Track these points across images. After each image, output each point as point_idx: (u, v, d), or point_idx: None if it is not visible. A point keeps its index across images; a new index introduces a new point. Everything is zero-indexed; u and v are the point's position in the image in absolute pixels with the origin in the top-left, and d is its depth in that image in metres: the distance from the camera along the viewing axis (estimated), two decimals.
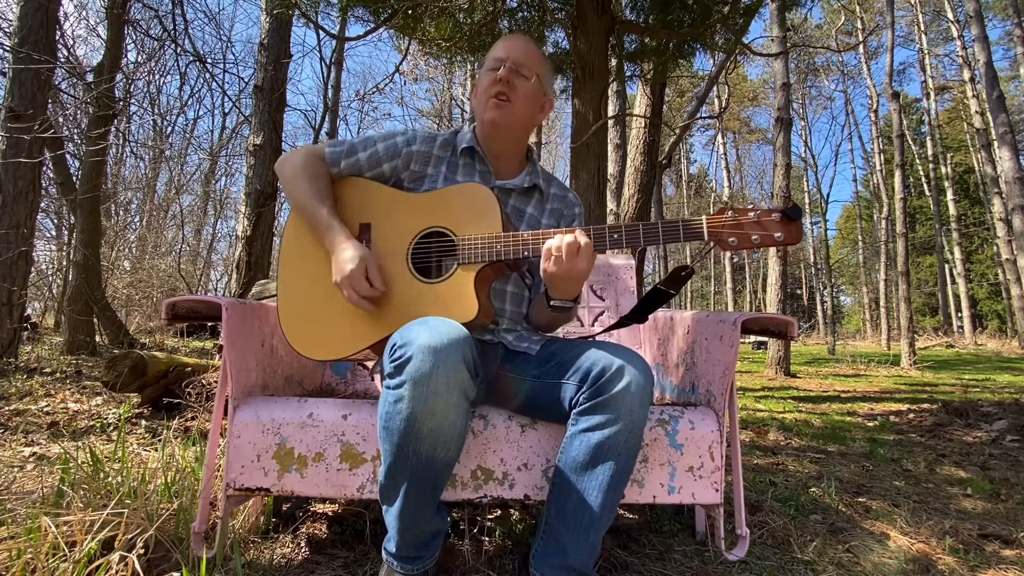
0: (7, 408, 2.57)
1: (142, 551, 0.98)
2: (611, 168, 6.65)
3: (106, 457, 1.31)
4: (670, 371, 1.48)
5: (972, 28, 9.16)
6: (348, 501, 1.42)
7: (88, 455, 1.20)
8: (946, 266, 20.67)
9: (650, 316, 1.69)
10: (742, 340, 1.23)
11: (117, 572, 0.94)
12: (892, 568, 1.20)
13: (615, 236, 1.03)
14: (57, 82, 5.60)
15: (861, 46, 17.11)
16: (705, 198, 28.91)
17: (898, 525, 1.48)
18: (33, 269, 5.12)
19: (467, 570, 1.09)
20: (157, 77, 13.20)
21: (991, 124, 9.37)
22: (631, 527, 1.36)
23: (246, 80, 10.10)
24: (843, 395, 4.93)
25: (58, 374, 3.60)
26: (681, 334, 1.42)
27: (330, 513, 1.39)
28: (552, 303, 1.08)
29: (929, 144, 19.69)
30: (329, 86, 10.30)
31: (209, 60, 9.53)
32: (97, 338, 5.02)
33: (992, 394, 4.71)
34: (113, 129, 6.22)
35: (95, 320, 5.00)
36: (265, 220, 5.59)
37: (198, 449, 1.54)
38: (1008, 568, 1.24)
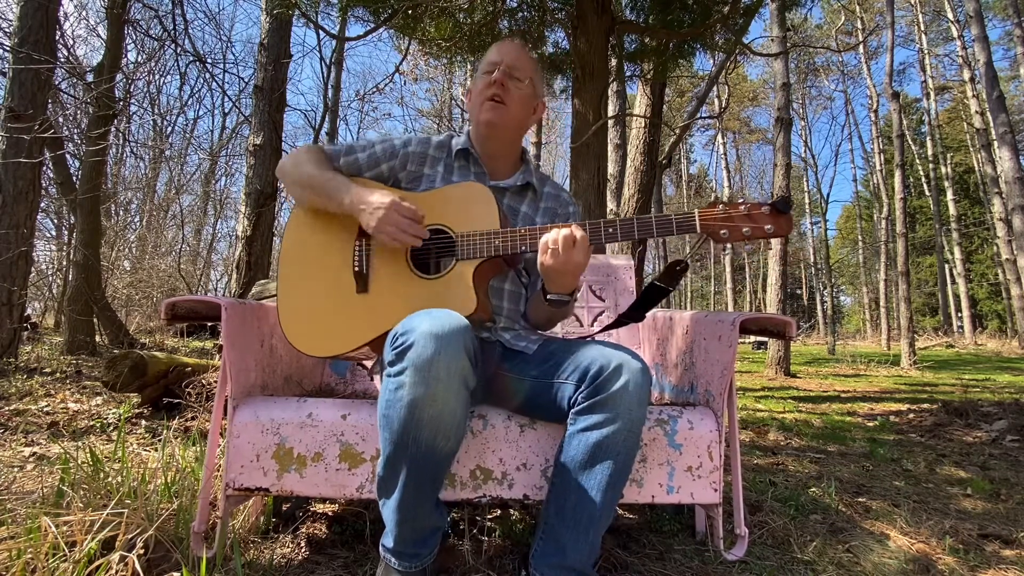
0: (7, 408, 2.57)
1: (142, 551, 0.98)
2: (611, 168, 6.64)
3: (106, 457, 1.31)
4: (669, 371, 1.48)
5: (972, 28, 9.16)
6: (348, 501, 1.42)
7: (88, 455, 1.20)
8: (946, 266, 20.67)
9: (649, 316, 1.70)
10: (742, 340, 1.23)
11: (117, 572, 0.94)
12: (892, 568, 1.20)
13: (610, 230, 1.05)
14: (57, 82, 5.60)
15: (861, 46, 17.11)
16: (705, 198, 28.94)
17: (898, 525, 1.48)
18: (33, 269, 5.13)
19: (467, 570, 1.09)
20: (157, 77, 13.21)
21: (991, 124, 9.37)
22: (631, 527, 1.36)
23: (246, 80, 10.11)
24: (843, 395, 4.93)
25: (58, 374, 3.60)
26: (680, 334, 1.42)
27: (330, 513, 1.39)
28: (549, 297, 1.09)
29: (929, 144, 19.69)
30: (329, 86, 10.31)
31: (209, 60, 9.53)
32: (97, 338, 5.02)
33: (992, 394, 4.71)
34: (113, 129, 6.22)
35: (95, 320, 5.00)
36: (265, 220, 5.59)
37: (198, 449, 1.54)
38: (1008, 568, 1.24)
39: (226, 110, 15.87)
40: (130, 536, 0.99)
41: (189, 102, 15.41)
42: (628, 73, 4.73)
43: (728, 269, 21.48)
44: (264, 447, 1.10)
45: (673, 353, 1.46)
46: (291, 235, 1.23)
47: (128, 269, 8.83)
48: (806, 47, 17.48)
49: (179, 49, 6.88)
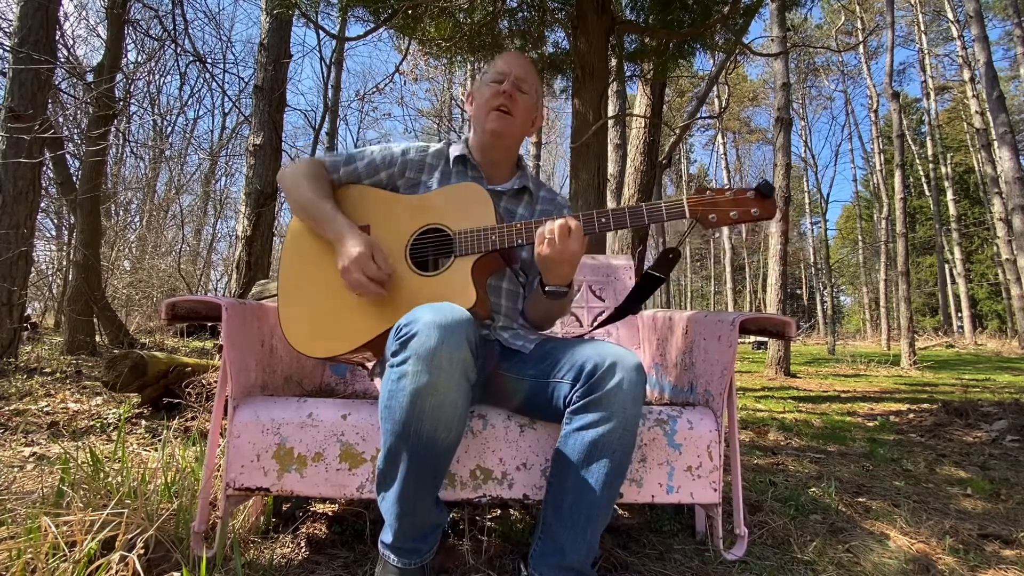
0: (7, 408, 2.57)
1: (142, 551, 0.98)
2: (611, 168, 6.64)
3: (106, 457, 1.31)
4: (669, 371, 1.48)
5: (972, 28, 9.16)
6: (348, 501, 1.42)
7: (88, 455, 1.20)
8: (946, 266, 20.68)
9: (649, 316, 1.70)
10: (742, 340, 1.24)
11: (117, 572, 0.94)
12: (892, 568, 1.20)
13: (603, 220, 1.08)
14: (57, 82, 5.60)
15: (861, 46, 17.11)
16: None
17: (898, 525, 1.48)
18: (33, 269, 5.13)
19: (467, 570, 1.09)
20: (157, 77, 13.21)
21: (991, 124, 9.37)
22: (631, 527, 1.36)
23: (246, 80, 10.11)
24: (843, 395, 4.93)
25: (58, 374, 3.60)
26: (680, 334, 1.42)
27: (330, 513, 1.39)
28: (547, 289, 1.11)
29: (929, 144, 19.70)
30: (329, 86, 10.31)
31: (209, 60, 9.53)
32: (97, 338, 5.02)
33: (992, 394, 4.72)
34: (113, 129, 6.22)
35: (95, 320, 5.00)
36: (265, 220, 5.59)
37: (198, 449, 1.54)
38: (1008, 568, 1.24)
39: (226, 110, 15.89)
40: (130, 536, 0.99)
41: (189, 102, 15.42)
42: (628, 73, 4.73)
43: (728, 269, 21.48)
44: (264, 447, 1.10)
45: (673, 353, 1.46)
46: (292, 238, 1.25)
47: (128, 269, 8.83)
48: (806, 47, 17.48)
49: (179, 49, 6.88)
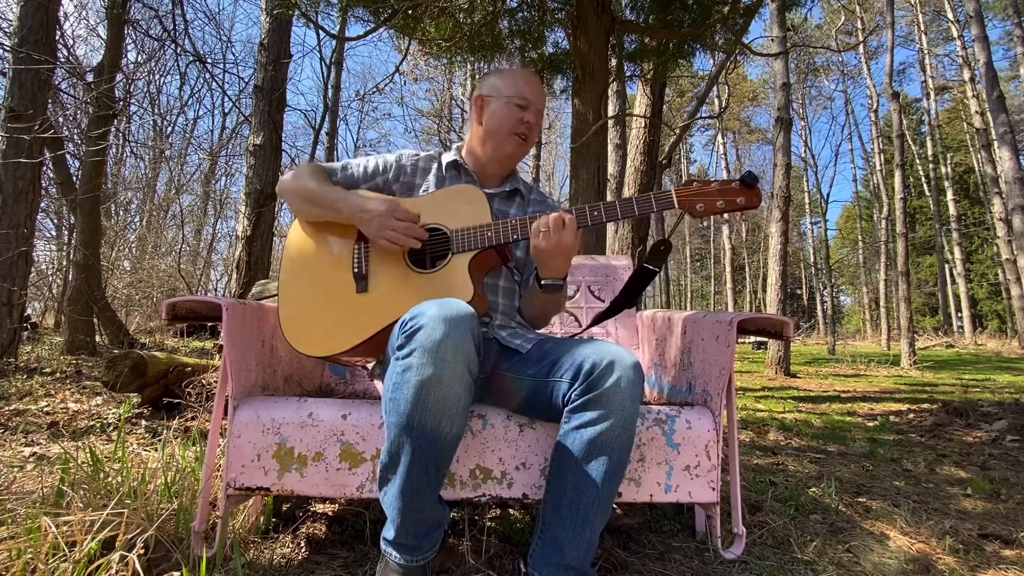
0: (7, 408, 2.57)
1: (142, 551, 0.98)
2: (611, 168, 6.65)
3: (106, 457, 1.31)
4: (667, 371, 1.48)
5: (972, 28, 9.16)
6: (348, 501, 1.42)
7: (88, 455, 1.20)
8: (946, 266, 20.67)
9: (648, 316, 1.70)
10: (742, 340, 1.25)
11: (117, 572, 0.94)
12: (892, 568, 1.20)
13: (595, 213, 1.12)
14: (57, 82, 5.60)
15: (861, 46, 17.11)
16: None
17: (898, 525, 1.48)
18: (33, 269, 5.12)
19: (467, 570, 1.09)
20: (157, 77, 13.21)
21: (991, 124, 9.37)
22: (631, 527, 1.36)
23: (246, 80, 10.11)
24: (843, 395, 4.93)
25: (58, 374, 3.60)
26: (678, 334, 1.42)
27: (330, 513, 1.39)
28: (543, 283, 1.14)
29: (929, 144, 19.69)
30: (329, 86, 10.31)
31: (209, 60, 9.53)
32: (97, 338, 5.02)
33: (992, 394, 4.72)
34: (113, 129, 6.22)
35: (95, 320, 5.00)
36: (265, 220, 5.59)
37: (198, 449, 1.54)
38: (1008, 568, 1.24)
39: (226, 110, 15.87)
40: (130, 536, 0.99)
41: (189, 102, 15.41)
42: (628, 73, 4.73)
43: (728, 269, 21.46)
44: (265, 447, 1.10)
45: (671, 353, 1.46)
46: (292, 240, 1.27)
47: (128, 269, 8.83)
48: (806, 47, 17.49)
49: (179, 49, 6.88)
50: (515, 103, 1.26)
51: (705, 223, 30.95)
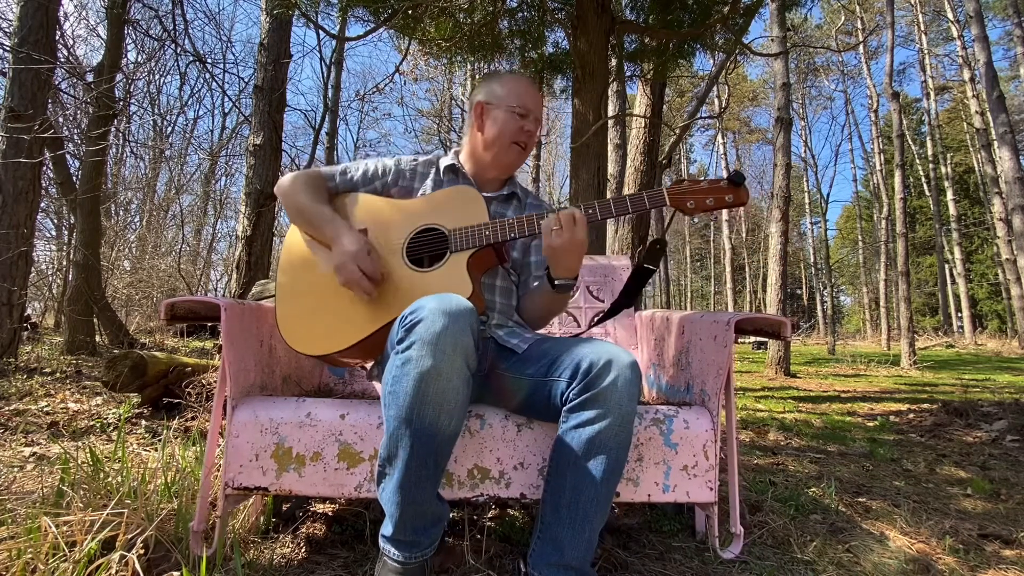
0: (7, 408, 2.57)
1: (142, 551, 0.98)
2: (611, 168, 6.65)
3: (106, 457, 1.31)
4: (665, 371, 1.48)
5: (972, 28, 9.16)
6: (346, 500, 1.42)
7: (88, 455, 1.20)
8: (946, 266, 20.67)
9: (647, 316, 1.70)
10: (742, 340, 1.25)
11: (117, 572, 0.94)
12: (892, 568, 1.20)
13: (590, 211, 1.14)
14: (57, 82, 5.60)
15: (861, 46, 17.10)
16: None
17: (898, 525, 1.48)
18: (33, 269, 5.12)
19: (467, 570, 1.09)
20: (157, 77, 13.22)
21: (991, 124, 9.37)
22: (631, 527, 1.36)
23: (246, 80, 10.11)
24: (843, 395, 4.93)
25: (58, 374, 3.60)
26: (676, 334, 1.42)
27: (330, 513, 1.39)
28: (556, 283, 1.14)
29: (929, 144, 19.68)
30: (329, 86, 10.31)
31: (209, 60, 9.52)
32: (97, 338, 5.02)
33: (992, 394, 4.71)
34: (113, 129, 6.22)
35: (95, 320, 5.00)
36: (265, 220, 5.59)
37: (198, 449, 1.54)
38: (1008, 568, 1.24)
39: (226, 110, 15.87)
40: (130, 536, 0.99)
41: (189, 102, 15.42)
42: (628, 73, 4.73)
43: (728, 269, 21.45)
44: (263, 447, 1.10)
45: (669, 353, 1.46)
46: (291, 241, 1.28)
47: (128, 269, 8.83)
48: (806, 47, 17.49)
49: (179, 49, 6.88)
50: (516, 112, 1.28)
51: (704, 223, 30.96)
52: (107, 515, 0.99)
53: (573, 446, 0.97)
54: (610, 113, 5.91)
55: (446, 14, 3.59)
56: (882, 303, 14.99)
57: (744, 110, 24.24)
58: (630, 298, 1.26)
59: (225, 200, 16.20)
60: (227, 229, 16.51)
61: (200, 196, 15.09)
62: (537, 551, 0.98)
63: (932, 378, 6.72)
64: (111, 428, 2.30)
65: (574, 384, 0.99)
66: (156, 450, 1.82)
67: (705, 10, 3.51)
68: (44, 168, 4.92)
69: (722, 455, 1.19)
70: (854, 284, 30.88)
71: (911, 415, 3.59)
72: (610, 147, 6.78)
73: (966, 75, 12.96)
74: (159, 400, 2.62)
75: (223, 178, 16.42)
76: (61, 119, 6.92)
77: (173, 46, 6.78)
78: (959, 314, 20.74)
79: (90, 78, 5.14)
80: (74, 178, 5.44)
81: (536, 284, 1.28)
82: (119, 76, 5.72)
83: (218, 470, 1.16)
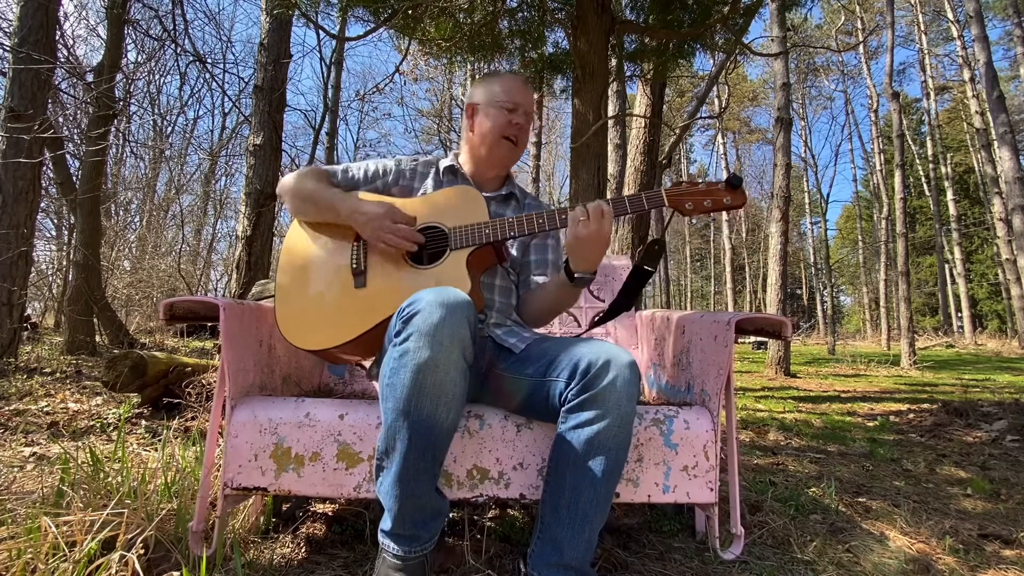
0: (7, 408, 2.57)
1: (142, 551, 0.98)
2: (611, 168, 6.64)
3: (106, 457, 1.31)
4: (666, 371, 1.48)
5: (972, 28, 9.15)
6: (346, 501, 1.42)
7: (88, 455, 1.20)
8: (946, 266, 20.66)
9: (647, 316, 1.70)
10: (742, 340, 1.25)
11: (117, 572, 0.94)
12: (892, 568, 1.20)
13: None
14: (57, 82, 5.60)
15: (861, 46, 17.10)
16: None
17: (898, 525, 1.48)
18: (33, 269, 5.12)
19: (467, 570, 1.09)
20: (157, 77, 13.21)
21: (991, 124, 9.37)
22: (631, 527, 1.36)
23: (246, 80, 10.10)
24: (843, 395, 4.93)
25: (58, 374, 3.60)
26: (677, 334, 1.42)
27: (330, 513, 1.39)
28: (576, 276, 1.14)
29: (929, 144, 19.68)
30: (329, 86, 10.31)
31: (209, 60, 9.53)
32: (97, 338, 5.02)
33: (992, 394, 4.71)
34: (113, 129, 6.22)
35: (95, 320, 5.00)
36: (265, 220, 5.59)
37: (198, 449, 1.54)
38: (1008, 568, 1.24)
39: (226, 110, 15.85)
40: (130, 536, 0.99)
41: (189, 102, 15.40)
42: (628, 73, 4.72)
43: (728, 269, 21.46)
44: (262, 447, 1.10)
45: (670, 353, 1.46)
46: (291, 238, 1.29)
47: (128, 269, 8.83)
48: (806, 47, 17.50)
49: (179, 49, 6.88)
50: (504, 107, 1.29)
51: (704, 223, 30.95)
52: (107, 515, 0.99)
53: (572, 447, 0.97)
54: (610, 113, 5.91)
55: (446, 14, 3.59)
56: (882, 303, 14.99)
57: (744, 110, 24.23)
58: (629, 299, 1.26)
59: (225, 200, 16.20)
60: (227, 229, 16.51)
61: (200, 196, 15.08)
62: (537, 551, 0.98)
63: (932, 378, 6.72)
64: (111, 428, 2.30)
65: (573, 384, 0.99)
66: (156, 450, 1.82)
67: (705, 10, 3.51)
68: (44, 168, 4.92)
69: (722, 455, 1.19)
70: (854, 284, 30.89)
71: (911, 415, 3.59)
72: (610, 147, 6.78)
73: (966, 75, 12.97)
74: (159, 400, 2.62)
75: (223, 178, 16.42)
76: (61, 119, 6.92)
77: (173, 46, 6.79)
78: (959, 314, 20.74)
79: (90, 78, 5.14)
80: (74, 178, 5.44)
81: (543, 279, 1.29)
82: (119, 76, 5.72)
83: (218, 470, 1.16)
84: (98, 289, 5.03)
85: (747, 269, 27.56)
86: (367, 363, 1.32)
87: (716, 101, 15.85)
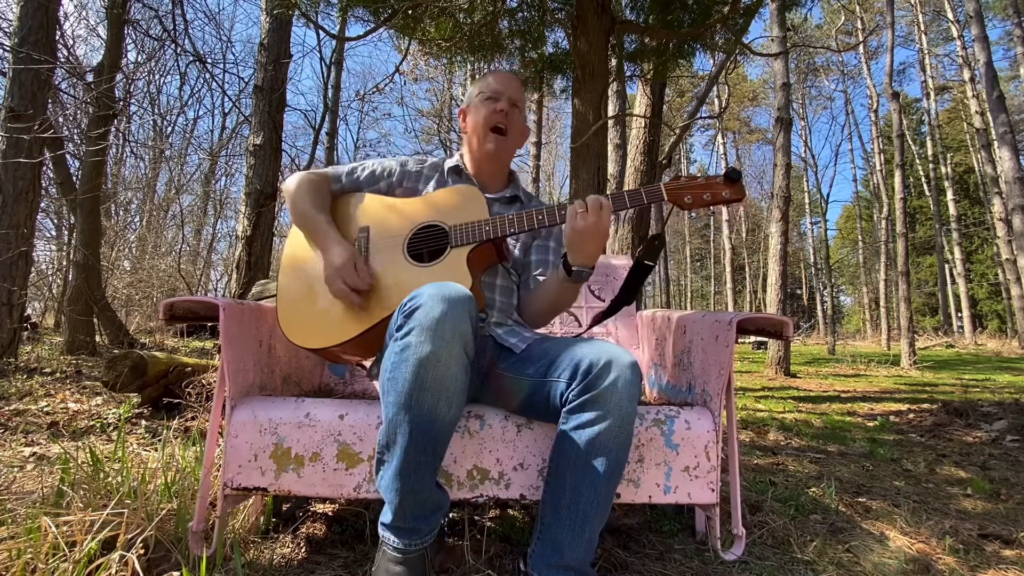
0: (7, 408, 2.57)
1: (142, 551, 0.98)
2: (611, 168, 6.64)
3: (106, 457, 1.31)
4: (667, 371, 1.48)
5: (972, 28, 9.16)
6: (345, 501, 1.42)
7: (88, 455, 1.20)
8: (946, 266, 20.66)
9: (647, 315, 1.70)
10: (742, 340, 1.25)
11: (117, 572, 0.94)
12: (892, 568, 1.20)
13: None
14: (57, 82, 5.60)
15: (861, 46, 17.10)
16: None
17: (898, 525, 1.48)
18: (33, 269, 5.12)
19: (467, 570, 1.09)
20: (157, 77, 13.21)
21: (991, 124, 9.37)
22: (631, 527, 1.36)
23: (246, 80, 10.09)
24: (843, 395, 4.93)
25: (58, 374, 3.60)
26: (678, 334, 1.42)
27: (330, 513, 1.39)
28: (573, 269, 1.13)
29: (929, 144, 19.68)
30: (329, 86, 10.30)
31: (209, 60, 9.52)
32: (97, 338, 5.02)
33: (992, 394, 4.71)
34: (113, 129, 6.22)
35: (95, 320, 5.00)
36: (265, 220, 5.59)
37: (198, 449, 1.54)
38: (1008, 568, 1.24)
39: (226, 110, 15.84)
40: (130, 536, 0.99)
41: (189, 102, 15.40)
42: (628, 73, 4.72)
43: (728, 269, 21.44)
44: (262, 447, 1.10)
45: (671, 353, 1.46)
46: (295, 238, 1.29)
47: (128, 269, 8.83)
48: (806, 47, 17.50)
49: (179, 49, 6.88)
50: (485, 99, 1.30)
51: (704, 223, 30.95)
52: (107, 515, 0.99)
53: (573, 447, 0.97)
54: (610, 113, 5.90)
55: (446, 14, 3.59)
56: (882, 303, 14.99)
57: (744, 110, 24.24)
58: (630, 295, 1.26)
59: (225, 200, 16.19)
60: (227, 229, 16.50)
61: (200, 196, 15.08)
62: (537, 552, 0.98)
63: (932, 378, 6.72)
64: (111, 428, 2.29)
65: (574, 385, 0.98)
66: (156, 450, 1.82)
67: (705, 10, 3.51)
68: (44, 168, 4.91)
69: (722, 455, 1.19)
70: (854, 284, 30.88)
71: (911, 415, 3.59)
72: (610, 147, 6.78)
73: (966, 75, 12.97)
74: (159, 400, 2.62)
75: (223, 178, 16.41)
76: (61, 119, 6.92)
77: (173, 46, 6.78)
78: (959, 314, 20.74)
79: (90, 78, 5.14)
80: (74, 178, 5.44)
81: (541, 279, 1.28)
82: (119, 76, 5.71)
83: (218, 470, 1.16)
84: (98, 289, 5.03)
85: (747, 269, 27.56)
86: (367, 363, 1.31)
87: (716, 101, 15.85)
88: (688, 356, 1.34)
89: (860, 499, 1.74)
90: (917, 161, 21.60)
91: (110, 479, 1.17)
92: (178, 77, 14.06)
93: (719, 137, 23.11)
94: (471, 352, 0.95)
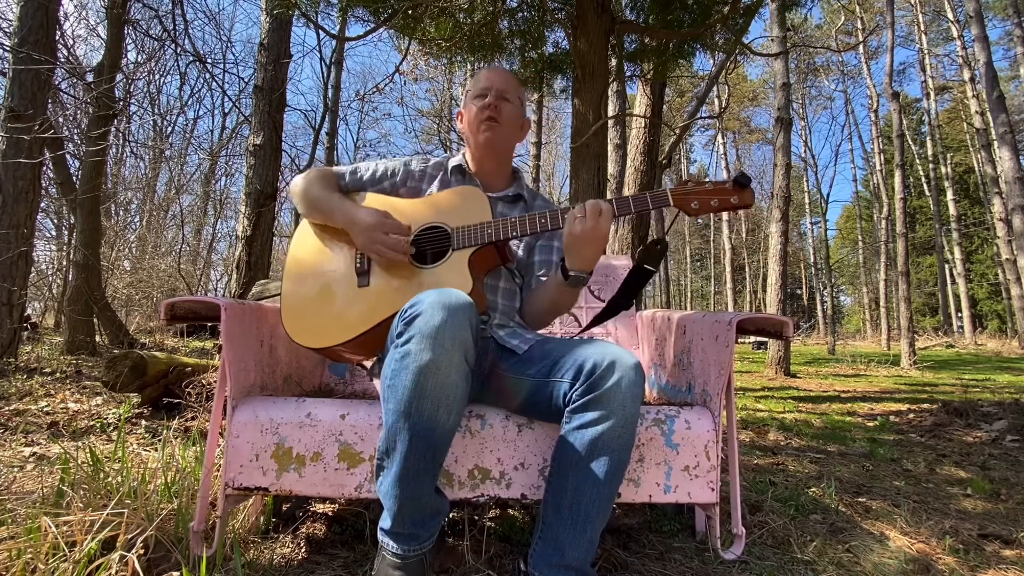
0: (7, 408, 2.57)
1: (142, 551, 0.98)
2: (611, 168, 6.64)
3: (106, 457, 1.31)
4: (667, 371, 1.48)
5: (972, 28, 9.16)
6: (347, 501, 1.42)
7: (88, 455, 1.20)
8: (946, 266, 20.67)
9: (647, 316, 1.70)
10: (742, 340, 1.25)
11: (117, 572, 0.94)
12: (892, 568, 1.20)
13: None
14: (57, 82, 5.60)
15: (861, 46, 17.10)
16: None
17: (898, 525, 1.48)
18: (33, 269, 5.12)
19: (467, 570, 1.09)
20: (157, 77, 13.21)
21: (991, 124, 9.37)
22: (631, 527, 1.36)
23: (246, 80, 10.09)
24: (843, 395, 4.93)
25: (58, 374, 3.60)
26: (677, 334, 1.42)
27: (330, 513, 1.39)
28: (571, 274, 1.13)
29: (929, 144, 19.68)
30: (329, 86, 10.30)
31: (209, 60, 9.53)
32: (97, 338, 5.02)
33: (992, 394, 4.71)
34: (113, 129, 6.22)
35: (95, 320, 5.00)
36: (265, 220, 5.59)
37: (198, 449, 1.54)
38: (1008, 568, 1.24)
39: (226, 110, 15.85)
40: (130, 536, 0.99)
41: (189, 102, 15.40)
42: (628, 73, 4.72)
43: (728, 269, 21.45)
44: (263, 447, 1.10)
45: (671, 353, 1.46)
46: (298, 238, 1.30)
47: (128, 269, 8.83)
48: (806, 47, 17.50)
49: (179, 49, 6.88)
50: (474, 96, 1.32)
51: (705, 223, 30.95)
52: (107, 515, 0.99)
53: (576, 447, 0.97)
54: (610, 113, 5.90)
55: (446, 14, 3.59)
56: (882, 303, 14.99)
57: (744, 110, 24.24)
58: (628, 297, 1.25)
59: (225, 200, 16.19)
60: (227, 229, 16.50)
61: (200, 196, 15.08)
62: (538, 551, 0.98)
63: (932, 378, 6.72)
64: (111, 428, 2.29)
65: (577, 385, 0.98)
66: (156, 450, 1.82)
67: (705, 10, 3.51)
68: (44, 168, 4.91)
69: (722, 455, 1.19)
70: (854, 284, 30.89)
71: (911, 415, 3.59)
72: (610, 147, 6.78)
73: (966, 75, 12.97)
74: (159, 400, 2.62)
75: (223, 178, 16.41)
76: (61, 119, 6.91)
77: (173, 46, 6.78)
78: (959, 314, 20.74)
79: (90, 78, 5.14)
80: (74, 178, 5.44)
81: (543, 280, 1.28)
82: (119, 76, 5.71)
83: (218, 470, 1.16)
84: (98, 289, 5.03)
85: (747, 269, 27.56)
86: (368, 363, 1.31)
87: (716, 101, 15.85)
88: (688, 356, 1.34)
89: (860, 499, 1.74)
90: (917, 161, 21.61)
91: (110, 479, 1.17)
92: (178, 77, 14.08)
93: (719, 137, 23.11)
94: (471, 359, 0.95)
